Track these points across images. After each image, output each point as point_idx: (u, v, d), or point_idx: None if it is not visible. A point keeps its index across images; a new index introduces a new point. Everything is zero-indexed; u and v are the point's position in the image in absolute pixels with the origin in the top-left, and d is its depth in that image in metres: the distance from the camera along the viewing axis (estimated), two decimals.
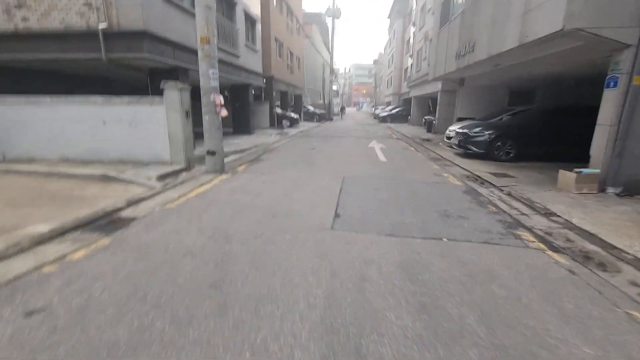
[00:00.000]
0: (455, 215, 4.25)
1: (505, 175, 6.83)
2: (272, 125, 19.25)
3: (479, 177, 6.72)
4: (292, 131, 17.90)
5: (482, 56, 7.97)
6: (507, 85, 12.27)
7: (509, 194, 5.41)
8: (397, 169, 7.42)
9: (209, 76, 6.18)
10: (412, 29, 28.94)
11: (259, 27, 15.96)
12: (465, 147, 9.06)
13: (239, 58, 13.29)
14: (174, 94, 6.38)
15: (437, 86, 16.49)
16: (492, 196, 5.30)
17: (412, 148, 11.62)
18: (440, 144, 12.62)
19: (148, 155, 7.01)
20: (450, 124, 16.41)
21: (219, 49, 11.27)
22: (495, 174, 6.94)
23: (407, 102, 31.71)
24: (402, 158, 9.19)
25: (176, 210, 4.27)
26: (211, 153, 6.54)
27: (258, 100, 19.83)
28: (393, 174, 6.86)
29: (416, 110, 24.36)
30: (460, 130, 9.36)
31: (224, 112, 6.55)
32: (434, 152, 10.59)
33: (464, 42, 9.41)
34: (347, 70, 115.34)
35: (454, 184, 6.12)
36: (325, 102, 34.73)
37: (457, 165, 8.13)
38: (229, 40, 12.30)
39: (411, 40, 29.73)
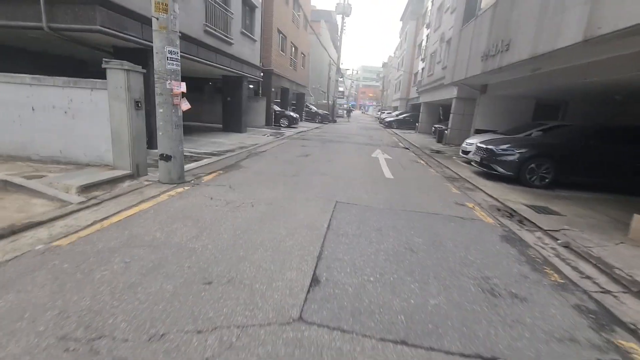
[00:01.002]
0: (505, 293, 2.65)
1: (547, 211, 5.23)
2: (268, 124, 17.69)
3: (514, 211, 5.13)
4: (289, 132, 16.32)
5: (521, 56, 6.37)
6: (534, 96, 10.67)
7: (568, 247, 3.81)
8: (407, 192, 5.82)
9: (164, 55, 4.61)
10: (426, 31, 27.37)
11: (258, 14, 14.39)
12: (489, 166, 7.45)
13: (231, 46, 11.73)
14: (119, 77, 4.80)
15: (452, 92, 14.89)
16: (544, 249, 3.70)
17: (422, 161, 10.02)
18: (454, 158, 11.02)
19: (89, 156, 5.45)
20: (465, 136, 14.83)
21: (207, 32, 9.73)
22: (533, 208, 5.34)
23: (415, 108, 30.12)
24: (412, 175, 7.59)
25: (59, 255, 2.69)
26: (165, 158, 4.97)
27: (254, 96, 18.27)
28: (402, 200, 5.26)
29: (425, 117, 22.76)
30: (484, 146, 7.76)
31: (185, 105, 4.98)
32: (448, 168, 8.98)
33: (494, 40, 7.81)
34: (354, 72, 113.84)
35: (486, 221, 4.52)
36: (329, 102, 33.12)
37: (481, 189, 6.53)
38: (220, 24, 10.74)
39: (424, 43, 28.16)
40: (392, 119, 29.11)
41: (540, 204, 5.63)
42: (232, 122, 13.86)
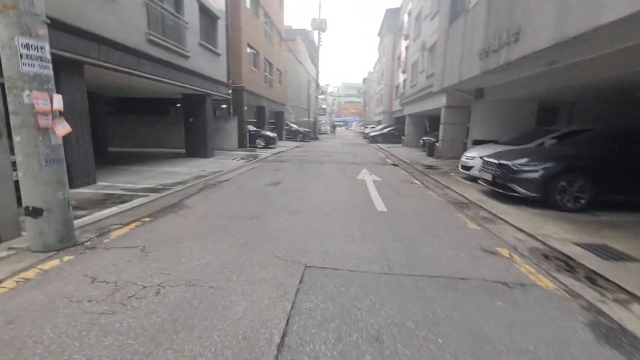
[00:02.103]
0: None
1: (611, 253, 3.62)
2: (242, 145, 15.99)
3: (570, 258, 3.49)
4: (265, 153, 14.63)
5: (539, 45, 4.95)
6: (537, 99, 9.39)
7: None
8: (409, 235, 4.13)
9: (15, 51, 2.88)
10: (405, 43, 26.70)
11: (222, 26, 12.93)
12: (506, 186, 5.88)
13: (187, 59, 10.11)
14: None
15: (440, 101, 13.64)
16: None
17: (416, 181, 8.43)
18: (452, 174, 9.51)
19: None
20: (458, 148, 13.46)
21: (151, 41, 8.11)
22: (590, 248, 3.72)
23: (399, 121, 29.11)
24: (410, 203, 5.94)
25: None
26: (33, 212, 3.15)
27: (224, 116, 16.64)
28: (406, 251, 3.56)
29: (411, 129, 21.56)
30: (495, 161, 6.23)
31: (62, 128, 3.21)
32: (450, 188, 7.41)
33: (495, 32, 6.45)
34: (336, 89, 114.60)
35: (545, 289, 2.83)
36: (311, 119, 31.82)
37: (503, 219, 4.91)
38: (170, 34, 9.13)
39: (402, 55, 27.45)
40: (376, 133, 27.92)
41: (593, 240, 4.03)
42: (197, 146, 12.08)
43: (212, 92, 12.02)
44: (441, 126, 13.57)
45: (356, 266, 3.10)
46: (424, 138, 17.33)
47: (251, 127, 17.80)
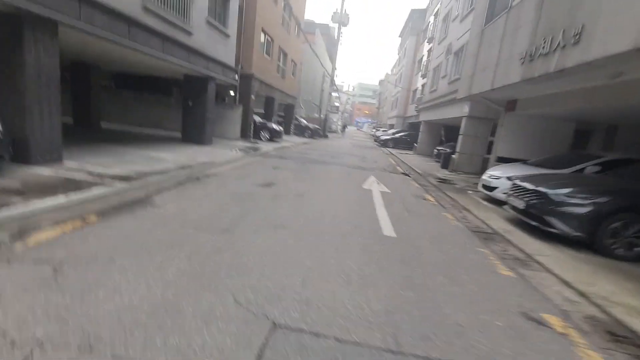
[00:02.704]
0: None
1: None
2: (244, 136, 15.06)
3: None
4: (268, 147, 13.68)
5: (613, 49, 3.88)
6: (574, 119, 8.26)
7: None
8: (424, 282, 3.13)
9: None
10: (427, 46, 25.50)
11: (235, 5, 11.96)
12: (542, 219, 4.84)
13: (191, 36, 9.17)
14: None
15: (462, 110, 12.52)
16: None
17: (430, 197, 7.41)
18: (469, 192, 8.45)
19: None
20: (477, 163, 12.37)
21: (148, 10, 7.20)
22: None
23: (413, 127, 27.97)
24: (424, 227, 4.93)
25: None
26: None
27: (228, 103, 15.73)
28: (420, 312, 2.57)
29: (425, 137, 20.42)
30: (530, 187, 5.17)
31: None
32: (468, 211, 6.38)
33: (546, 32, 5.38)
34: (351, 89, 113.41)
35: None
36: (321, 116, 30.80)
37: (540, 263, 3.88)
38: (172, 3, 8.20)
39: (424, 58, 26.28)
40: (388, 137, 26.81)
41: None
42: (194, 132, 11.18)
43: (216, 76, 11.08)
44: (460, 137, 12.46)
45: (348, 332, 2.12)
46: (439, 148, 16.22)
47: (257, 118, 16.86)
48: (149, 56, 7.85)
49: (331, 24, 52.74)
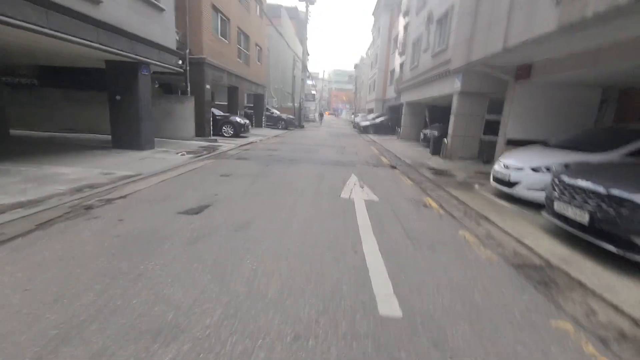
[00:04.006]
0: None
1: None
2: (201, 134, 12.74)
3: None
4: (229, 145, 11.49)
5: None
6: (601, 84, 6.53)
7: None
8: None
9: None
10: (404, 21, 23.51)
11: None
12: (627, 241, 3.02)
13: (98, 5, 6.80)
14: None
15: (451, 85, 10.71)
16: None
17: (431, 201, 5.54)
18: (475, 186, 6.66)
19: None
20: (472, 145, 10.63)
21: None
22: None
23: (393, 110, 26.17)
24: (444, 275, 3.02)
25: None
26: None
27: (175, 95, 13.37)
28: None
29: (409, 120, 18.64)
30: (595, 187, 3.34)
31: None
32: (487, 220, 4.56)
33: None
34: (327, 76, 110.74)
35: None
36: (295, 105, 28.53)
37: None
38: None
39: (400, 35, 24.30)
40: (368, 123, 24.95)
41: None
42: (126, 135, 8.86)
43: (148, 61, 8.71)
44: (451, 117, 10.68)
45: None
46: (426, 131, 14.45)
47: (217, 112, 14.53)
48: (29, 31, 5.49)
49: (299, 7, 49.73)
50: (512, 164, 5.62)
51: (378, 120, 25.04)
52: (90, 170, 6.08)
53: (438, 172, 8.34)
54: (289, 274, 2.68)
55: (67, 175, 5.65)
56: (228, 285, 2.46)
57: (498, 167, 5.93)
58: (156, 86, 16.92)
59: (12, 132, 10.64)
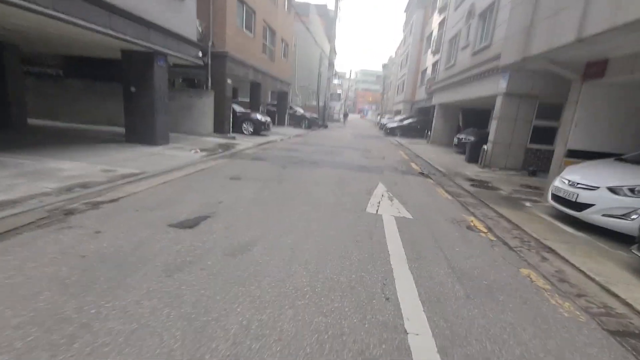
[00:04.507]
0: None
1: None
2: (220, 130, 12.23)
3: None
4: (247, 143, 10.89)
5: None
6: None
7: None
8: None
9: None
10: (439, 18, 22.19)
11: None
12: None
13: None
14: None
15: (495, 85, 9.53)
16: None
17: (476, 222, 4.57)
18: (527, 204, 5.59)
19: None
20: (517, 155, 9.37)
21: None
22: None
23: (422, 112, 24.87)
24: (519, 347, 2.11)
25: None
26: None
27: (189, 88, 12.97)
28: None
29: (440, 123, 17.39)
30: None
31: None
32: (555, 253, 3.56)
33: None
34: (354, 75, 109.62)
35: None
36: (320, 104, 27.78)
37: None
38: None
39: (434, 32, 22.97)
40: (395, 124, 23.77)
41: None
42: (140, 129, 8.42)
43: (166, 51, 8.22)
44: (494, 122, 9.50)
45: None
46: (460, 136, 13.24)
47: (238, 108, 14.00)
48: (41, 14, 5.02)
49: (329, 5, 49.01)
50: (579, 181, 4.55)
51: (406, 122, 23.80)
52: (92, 167, 5.56)
53: (478, 184, 7.28)
54: (294, 335, 1.88)
55: (64, 171, 5.15)
56: (203, 353, 1.69)
57: (560, 183, 4.86)
58: (180, 81, 16.74)
59: (33, 121, 10.56)
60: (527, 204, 5.81)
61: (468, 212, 5.07)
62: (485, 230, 4.23)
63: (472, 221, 4.57)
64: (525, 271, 3.07)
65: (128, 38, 6.95)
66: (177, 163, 6.62)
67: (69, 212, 3.53)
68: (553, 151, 9.27)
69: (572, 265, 3.33)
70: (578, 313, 2.43)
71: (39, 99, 12.28)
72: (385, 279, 2.61)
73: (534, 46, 5.52)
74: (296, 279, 2.49)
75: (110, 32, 6.48)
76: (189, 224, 3.40)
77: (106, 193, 4.32)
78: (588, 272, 3.14)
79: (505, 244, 3.80)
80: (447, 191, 6.43)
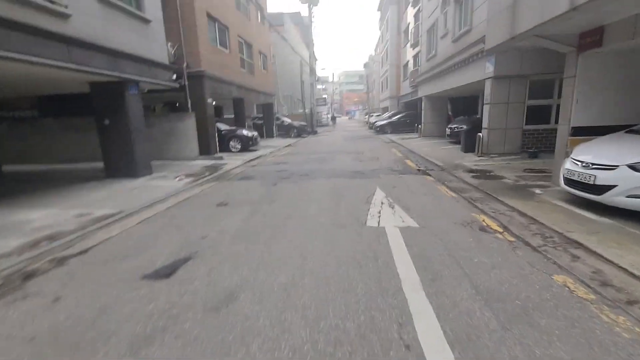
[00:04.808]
0: None
1: None
2: (206, 152, 11.77)
3: None
4: (235, 161, 10.45)
5: None
6: None
7: None
8: None
9: None
10: (413, 10, 22.04)
11: None
12: None
13: (67, 19, 5.90)
14: None
15: (482, 70, 9.21)
16: None
17: (489, 221, 4.15)
18: (537, 191, 5.19)
19: None
20: (514, 138, 9.07)
21: None
22: None
23: (410, 106, 24.63)
24: None
25: None
26: None
27: (169, 113, 12.56)
28: None
29: (430, 115, 17.09)
30: None
31: None
32: (582, 247, 3.15)
33: None
34: (337, 79, 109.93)
35: None
36: (306, 111, 27.46)
37: None
38: None
39: (411, 25, 22.83)
40: (384, 122, 23.47)
41: None
42: (119, 161, 7.95)
43: (135, 78, 7.79)
44: (486, 108, 9.16)
45: None
46: (453, 126, 12.90)
47: (222, 126, 13.58)
48: None
49: (302, 12, 48.99)
50: (594, 161, 4.16)
51: (395, 118, 23.52)
52: (65, 212, 5.08)
53: (480, 175, 6.89)
54: None
55: (33, 222, 4.66)
56: None
57: (572, 165, 4.47)
58: (162, 106, 16.31)
59: (7, 168, 10.06)
60: (537, 190, 5.41)
61: (477, 209, 4.66)
62: (500, 230, 3.81)
63: (483, 220, 4.15)
64: (559, 278, 2.64)
65: (93, 70, 6.52)
66: (159, 195, 6.15)
67: (29, 275, 3.05)
68: (551, 130, 9.01)
69: (609, 261, 2.91)
70: (638, 330, 1.99)
71: (14, 143, 11.79)
72: (401, 316, 2.17)
73: (522, 23, 5.17)
74: (293, 333, 2.04)
75: (72, 65, 6.04)
76: (166, 272, 2.94)
77: (76, 243, 3.85)
78: (630, 269, 2.72)
79: (527, 244, 3.38)
80: (449, 188, 6.02)
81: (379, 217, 4.33)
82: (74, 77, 6.96)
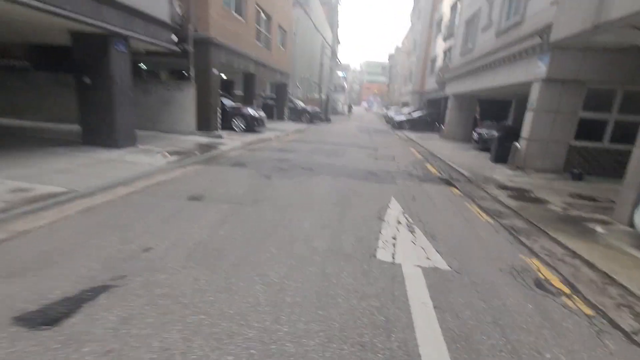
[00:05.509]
0: None
1: None
2: (205, 127, 10.67)
3: None
4: (234, 142, 9.34)
5: None
6: None
7: None
8: None
9: None
10: (450, 1, 20.20)
11: None
12: None
13: None
14: None
15: (525, 70, 7.81)
16: None
17: (543, 268, 2.97)
18: (602, 233, 3.95)
19: None
20: (557, 153, 7.75)
21: None
22: None
23: (433, 104, 23.06)
24: None
25: None
26: None
27: (174, 81, 11.44)
28: None
29: (455, 116, 15.61)
30: None
31: None
32: None
33: None
34: (358, 67, 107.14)
35: None
36: (322, 97, 26.06)
37: None
38: None
39: (446, 16, 21.01)
40: (403, 118, 21.99)
41: None
42: (99, 128, 6.91)
43: (123, 32, 6.63)
44: (529, 115, 7.81)
45: None
46: (481, 131, 11.51)
47: (227, 102, 12.42)
48: None
49: None
50: None
51: (416, 114, 22.01)
52: (1, 185, 4.06)
53: (518, 195, 5.66)
54: None
55: None
56: None
57: None
58: (167, 74, 15.22)
59: None
60: (598, 228, 4.18)
61: (524, 247, 3.48)
62: (567, 290, 2.65)
63: (539, 269, 2.98)
64: None
65: (68, 14, 5.38)
66: (129, 174, 5.10)
67: None
68: (604, 151, 7.63)
69: None
70: None
71: (4, 94, 10.90)
72: None
73: (615, 7, 3.83)
74: None
75: (39, 4, 4.92)
76: (54, 315, 1.86)
77: None
78: None
79: (615, 324, 2.22)
80: (482, 208, 4.83)
81: (394, 245, 3.19)
82: (52, 22, 5.86)
